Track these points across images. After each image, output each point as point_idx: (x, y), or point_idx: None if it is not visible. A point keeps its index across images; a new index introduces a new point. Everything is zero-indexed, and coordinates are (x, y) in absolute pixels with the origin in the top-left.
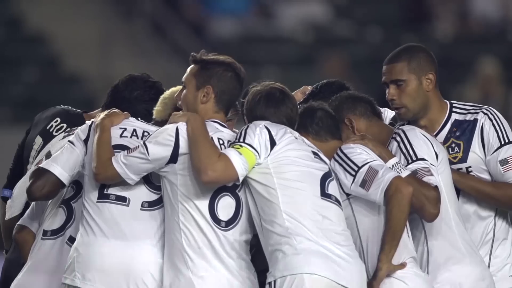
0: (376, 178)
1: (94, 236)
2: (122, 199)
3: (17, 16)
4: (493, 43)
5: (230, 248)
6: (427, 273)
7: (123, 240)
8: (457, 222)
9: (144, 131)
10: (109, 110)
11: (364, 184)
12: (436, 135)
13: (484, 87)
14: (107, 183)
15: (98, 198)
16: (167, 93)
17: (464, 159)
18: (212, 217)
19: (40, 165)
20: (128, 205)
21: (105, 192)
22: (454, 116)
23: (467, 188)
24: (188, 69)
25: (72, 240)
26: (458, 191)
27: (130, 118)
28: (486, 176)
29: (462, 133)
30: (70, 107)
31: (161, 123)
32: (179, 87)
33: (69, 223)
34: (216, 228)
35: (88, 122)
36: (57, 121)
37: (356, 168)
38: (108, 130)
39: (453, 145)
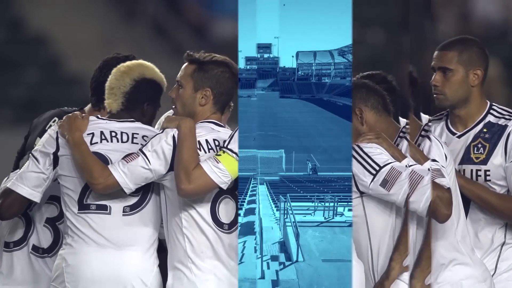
0: (399, 179)
1: (83, 245)
2: (103, 208)
3: (18, 17)
4: (495, 44)
5: (232, 250)
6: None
7: (110, 248)
8: (459, 224)
9: (111, 132)
10: (68, 117)
11: (385, 184)
12: (467, 132)
13: (485, 88)
14: (106, 193)
15: (78, 210)
16: (112, 82)
17: (485, 162)
18: (214, 221)
19: (7, 185)
20: (110, 213)
21: (84, 202)
22: (489, 118)
23: (471, 195)
24: (184, 68)
25: (35, 249)
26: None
27: (90, 118)
28: (503, 183)
29: (491, 137)
30: (66, 107)
31: (116, 115)
32: (122, 70)
33: (30, 233)
34: (219, 231)
35: (51, 133)
36: (55, 121)
37: (377, 168)
38: (84, 141)
39: (479, 145)
